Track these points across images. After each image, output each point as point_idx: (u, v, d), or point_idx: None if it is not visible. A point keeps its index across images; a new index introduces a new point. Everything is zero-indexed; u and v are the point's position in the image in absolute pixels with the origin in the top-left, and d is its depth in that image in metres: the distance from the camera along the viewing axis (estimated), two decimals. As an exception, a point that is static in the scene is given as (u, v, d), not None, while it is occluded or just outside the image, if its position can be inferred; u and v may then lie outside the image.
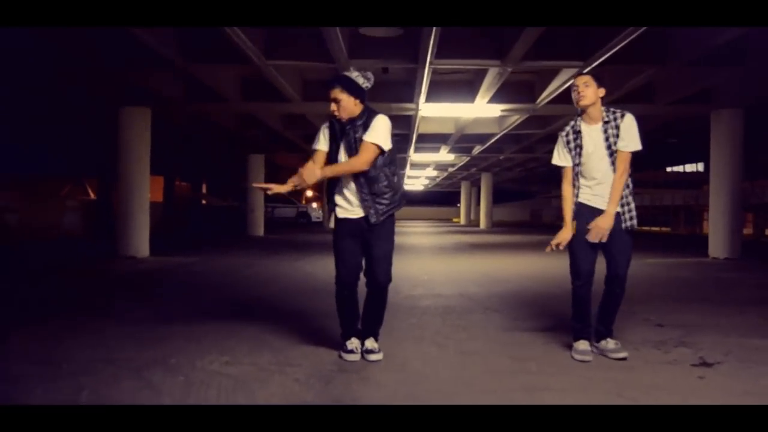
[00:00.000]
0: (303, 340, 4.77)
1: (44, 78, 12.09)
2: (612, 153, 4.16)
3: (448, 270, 10.47)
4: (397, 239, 4.46)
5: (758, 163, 26.14)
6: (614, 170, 4.16)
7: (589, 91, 4.14)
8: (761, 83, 11.55)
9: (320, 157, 4.14)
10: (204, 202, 29.95)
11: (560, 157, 4.35)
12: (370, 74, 4.10)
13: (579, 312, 4.29)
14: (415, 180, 42.08)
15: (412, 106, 11.85)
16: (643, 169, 35.88)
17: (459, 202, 44.18)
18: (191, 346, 4.57)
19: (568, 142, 4.29)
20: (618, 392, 3.54)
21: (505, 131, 16.03)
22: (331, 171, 4.02)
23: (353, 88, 4.00)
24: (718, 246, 12.94)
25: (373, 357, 4.17)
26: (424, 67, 8.67)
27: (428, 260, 12.50)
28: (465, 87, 11.59)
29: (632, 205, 4.27)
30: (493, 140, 17.77)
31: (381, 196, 4.06)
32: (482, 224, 34.33)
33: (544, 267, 11.02)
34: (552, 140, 17.97)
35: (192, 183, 32.99)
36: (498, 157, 23.59)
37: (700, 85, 11.10)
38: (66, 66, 10.67)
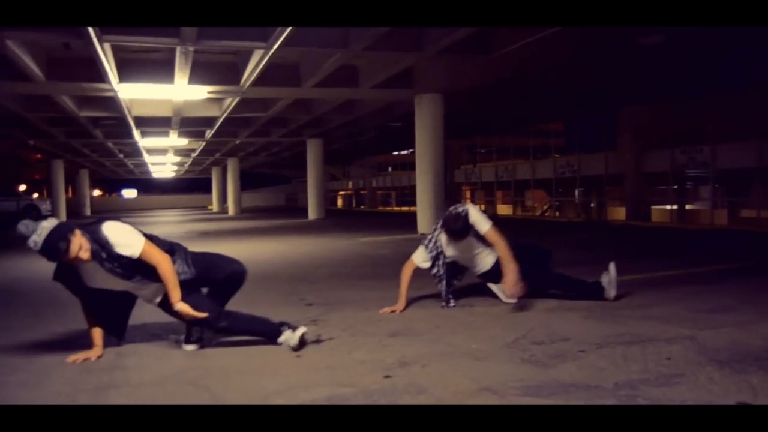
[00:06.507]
0: None
1: None
2: None
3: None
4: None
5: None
6: None
7: None
8: (452, 71, 12.43)
9: None
10: None
11: None
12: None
13: None
14: (162, 167, 39.86)
15: (107, 86, 10.86)
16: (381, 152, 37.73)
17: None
18: None
19: None
20: (187, 378, 3.41)
21: (226, 114, 15.62)
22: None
23: None
24: (425, 222, 13.84)
25: None
26: (94, 44, 7.90)
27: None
28: (163, 67, 10.84)
29: None
30: (218, 123, 17.23)
31: None
32: (231, 211, 33.74)
33: (249, 251, 10.91)
34: (281, 124, 18.08)
35: None
36: (235, 141, 23.07)
37: (392, 71, 11.55)
38: None
